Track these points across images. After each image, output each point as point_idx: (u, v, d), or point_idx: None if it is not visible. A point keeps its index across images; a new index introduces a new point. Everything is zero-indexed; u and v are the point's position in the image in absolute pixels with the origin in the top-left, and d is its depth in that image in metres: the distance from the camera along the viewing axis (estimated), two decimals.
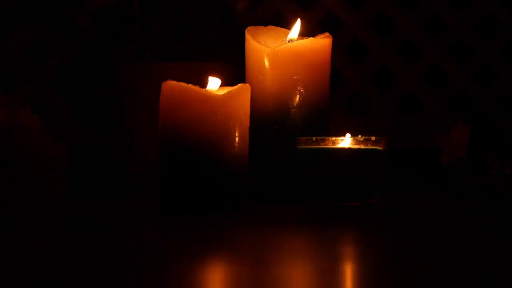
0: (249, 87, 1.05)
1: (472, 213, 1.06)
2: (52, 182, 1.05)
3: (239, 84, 1.04)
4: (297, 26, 1.15)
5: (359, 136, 1.00)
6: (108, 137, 1.37)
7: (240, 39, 1.19)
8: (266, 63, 1.13)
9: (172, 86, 1.02)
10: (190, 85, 1.02)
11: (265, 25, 1.18)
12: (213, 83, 1.05)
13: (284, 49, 1.13)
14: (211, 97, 1.01)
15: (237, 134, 1.02)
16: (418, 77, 1.56)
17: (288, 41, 1.16)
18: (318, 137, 1.01)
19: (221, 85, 1.07)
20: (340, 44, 1.55)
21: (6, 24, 1.51)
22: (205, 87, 1.05)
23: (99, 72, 1.39)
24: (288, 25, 1.20)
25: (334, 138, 1.00)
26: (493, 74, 1.56)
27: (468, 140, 1.16)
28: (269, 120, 1.13)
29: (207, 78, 1.06)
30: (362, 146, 0.99)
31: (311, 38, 1.14)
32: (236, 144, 1.02)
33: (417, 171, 1.45)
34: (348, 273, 0.68)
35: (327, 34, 1.15)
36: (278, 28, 1.19)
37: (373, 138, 0.99)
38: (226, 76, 1.17)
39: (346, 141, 1.00)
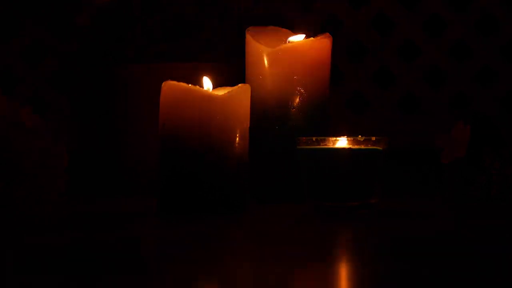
0: (249, 87, 1.05)
1: (472, 213, 1.06)
2: (52, 182, 1.05)
3: (239, 84, 1.04)
4: (300, 36, 1.15)
5: (359, 136, 1.00)
6: (107, 137, 1.37)
7: (240, 39, 1.19)
8: (266, 63, 1.13)
9: (172, 86, 1.02)
10: (190, 85, 1.02)
11: (265, 25, 1.18)
12: (207, 83, 1.05)
13: (284, 49, 1.13)
14: (211, 98, 1.01)
15: (237, 134, 1.02)
16: (418, 77, 1.56)
17: (288, 41, 1.16)
18: (318, 137, 1.01)
19: (221, 85, 1.07)
20: (340, 44, 1.55)
21: (7, 24, 1.51)
22: (202, 87, 1.05)
23: (99, 72, 1.39)
24: (288, 25, 1.20)
25: (334, 138, 1.00)
26: (493, 74, 1.56)
27: (468, 140, 1.17)
28: (269, 120, 1.13)
29: (204, 77, 1.06)
30: (362, 146, 0.99)
31: (311, 38, 1.14)
32: (236, 145, 1.02)
33: (417, 171, 1.45)
34: (348, 273, 0.68)
35: (327, 34, 1.15)
36: (278, 28, 1.19)
37: (373, 138, 0.99)
38: (226, 76, 1.17)
39: (346, 142, 0.99)
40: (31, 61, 1.52)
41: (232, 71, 1.29)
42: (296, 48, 1.13)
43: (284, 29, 1.18)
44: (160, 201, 1.02)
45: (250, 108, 1.05)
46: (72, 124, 1.49)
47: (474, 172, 1.15)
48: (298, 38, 1.15)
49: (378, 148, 1.00)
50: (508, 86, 1.55)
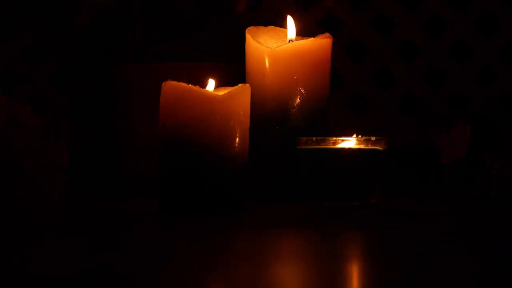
0: (249, 87, 1.05)
1: (472, 213, 1.06)
2: (52, 182, 1.05)
3: (239, 84, 1.04)
4: (290, 24, 1.16)
5: (359, 136, 1.00)
6: (107, 137, 1.37)
7: (240, 39, 1.19)
8: (266, 63, 1.13)
9: (172, 86, 1.02)
10: (190, 85, 1.02)
11: (265, 25, 1.18)
12: (212, 85, 1.06)
13: (284, 49, 1.13)
14: (211, 98, 1.01)
15: (237, 134, 1.02)
16: (418, 77, 1.56)
17: (288, 41, 1.16)
18: (319, 137, 1.01)
19: (221, 85, 1.07)
20: (340, 44, 1.55)
21: (7, 24, 1.51)
22: (205, 87, 1.05)
23: (99, 72, 1.39)
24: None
25: (334, 138, 1.00)
26: (493, 74, 1.56)
27: (468, 140, 1.17)
28: (269, 120, 1.13)
29: (207, 78, 1.06)
30: (362, 146, 0.99)
31: (311, 38, 1.14)
32: (236, 145, 1.02)
33: (417, 171, 1.45)
34: (348, 273, 0.68)
35: (327, 34, 1.15)
36: (278, 28, 1.19)
37: (373, 138, 0.99)
38: (226, 76, 1.17)
39: (346, 142, 0.99)
40: (31, 61, 1.52)
41: (232, 71, 1.29)
42: (296, 48, 1.13)
43: (284, 29, 1.18)
44: (160, 201, 1.02)
45: (250, 108, 1.05)
46: (72, 124, 1.49)
47: (474, 172, 1.15)
48: (291, 31, 1.15)
49: (378, 148, 1.00)
50: (508, 86, 1.55)
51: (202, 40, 1.38)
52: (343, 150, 0.99)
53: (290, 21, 1.16)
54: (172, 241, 0.84)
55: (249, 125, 1.04)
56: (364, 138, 0.99)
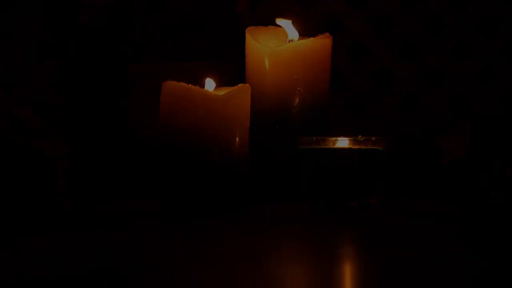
0: (249, 87, 1.05)
1: (472, 214, 1.06)
2: (52, 182, 1.05)
3: (239, 84, 1.04)
4: (288, 27, 1.16)
5: (359, 136, 1.00)
6: (107, 137, 1.37)
7: (240, 39, 1.19)
8: (266, 63, 1.13)
9: (173, 86, 1.02)
10: (190, 85, 1.02)
11: (265, 25, 1.18)
12: (209, 85, 1.05)
13: (284, 49, 1.13)
14: (211, 98, 1.01)
15: (237, 134, 1.02)
16: (418, 77, 1.56)
17: (288, 41, 1.16)
18: (319, 137, 1.01)
19: (221, 85, 1.07)
20: (340, 44, 1.55)
21: (7, 24, 1.51)
22: (203, 87, 1.05)
23: (99, 72, 1.39)
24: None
25: (334, 138, 1.00)
26: (493, 74, 1.56)
27: (468, 140, 1.17)
28: (269, 120, 1.13)
29: (206, 78, 1.06)
30: (362, 146, 0.99)
31: (311, 38, 1.14)
32: (236, 145, 1.02)
33: (417, 171, 1.45)
34: (348, 273, 0.68)
35: (327, 34, 1.15)
36: (278, 28, 1.19)
37: (373, 138, 0.99)
38: (226, 76, 1.17)
39: (346, 142, 0.99)
40: (31, 61, 1.52)
41: (232, 71, 1.29)
42: (296, 48, 1.13)
43: (284, 29, 1.18)
44: (160, 202, 1.02)
45: (250, 108, 1.05)
46: (72, 124, 1.49)
47: (474, 172, 1.15)
48: (291, 32, 1.15)
49: (378, 148, 1.00)
50: (508, 86, 1.55)
51: (203, 40, 1.38)
52: (343, 150, 0.99)
53: (286, 23, 1.16)
54: (172, 241, 0.84)
55: (249, 125, 1.04)
56: (364, 138, 0.99)
